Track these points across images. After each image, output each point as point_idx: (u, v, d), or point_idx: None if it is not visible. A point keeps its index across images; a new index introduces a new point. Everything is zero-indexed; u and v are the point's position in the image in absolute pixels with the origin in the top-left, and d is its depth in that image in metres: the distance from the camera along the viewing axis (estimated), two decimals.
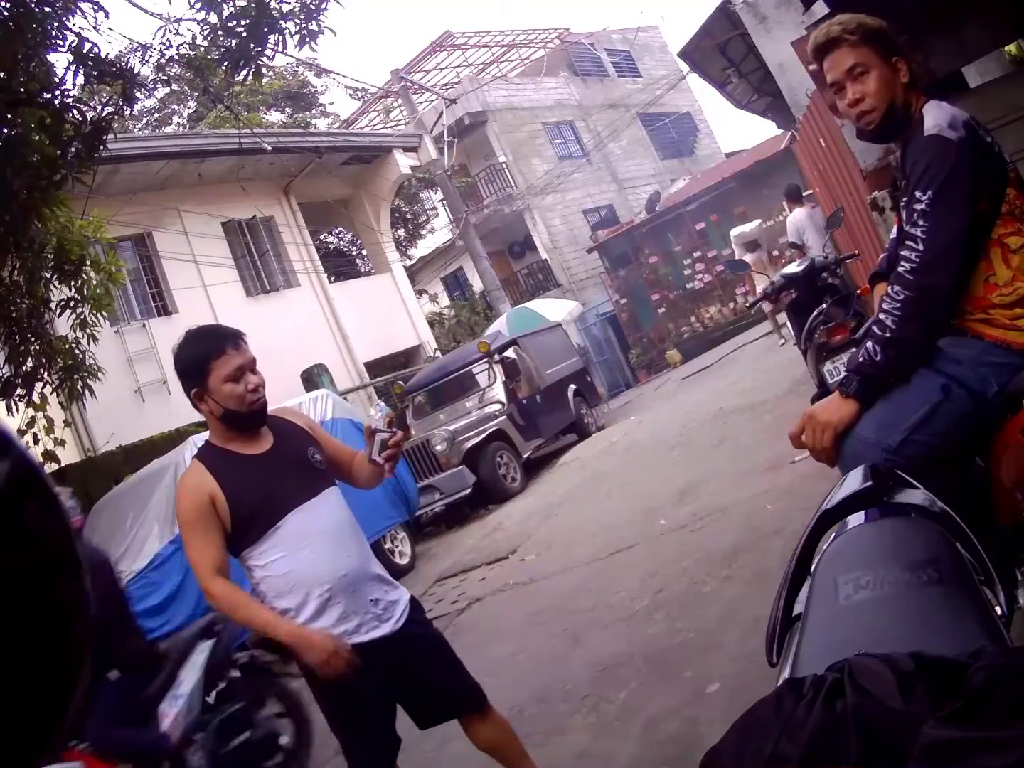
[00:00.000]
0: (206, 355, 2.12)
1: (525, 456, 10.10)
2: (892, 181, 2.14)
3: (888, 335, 1.68)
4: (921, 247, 1.66)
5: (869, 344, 1.72)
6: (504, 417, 9.95)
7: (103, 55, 5.31)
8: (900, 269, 1.69)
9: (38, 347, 6.68)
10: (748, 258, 11.23)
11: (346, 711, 2.20)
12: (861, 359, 1.73)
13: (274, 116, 22.47)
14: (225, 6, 5.43)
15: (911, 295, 1.66)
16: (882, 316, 1.70)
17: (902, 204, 1.83)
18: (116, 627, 3.03)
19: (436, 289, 22.40)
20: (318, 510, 2.15)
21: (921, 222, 1.67)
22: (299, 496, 2.14)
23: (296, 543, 2.09)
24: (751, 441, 6.26)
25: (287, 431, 2.27)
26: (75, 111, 5.39)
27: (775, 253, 16.28)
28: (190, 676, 3.16)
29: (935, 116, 1.74)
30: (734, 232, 12.48)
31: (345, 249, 23.12)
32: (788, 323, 5.43)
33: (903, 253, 1.70)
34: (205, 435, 7.20)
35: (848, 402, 1.73)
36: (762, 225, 13.70)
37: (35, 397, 6.82)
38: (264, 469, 2.15)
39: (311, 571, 2.10)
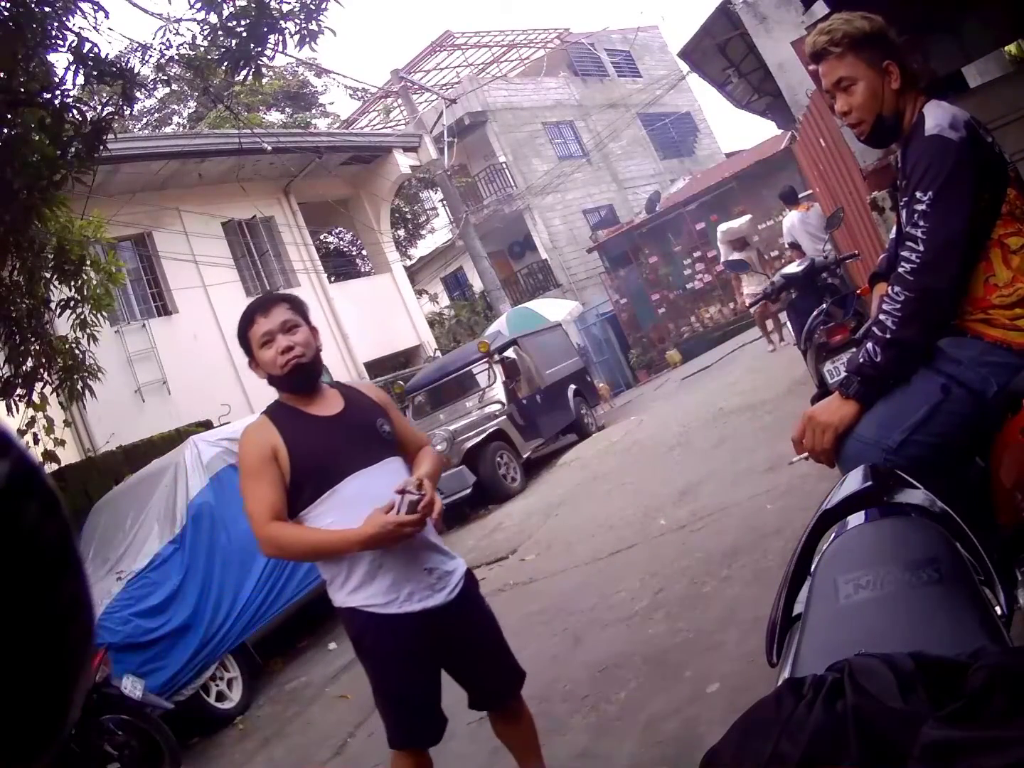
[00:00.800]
0: (244, 329, 2.19)
1: (525, 456, 10.10)
2: (892, 181, 2.15)
3: (888, 336, 1.68)
4: (921, 248, 1.66)
5: (869, 345, 1.72)
6: (504, 417, 9.94)
7: (103, 55, 5.31)
8: (900, 270, 1.69)
9: (38, 347, 6.68)
10: (736, 257, 10.75)
11: (393, 680, 2.14)
12: (861, 360, 1.73)
13: (274, 116, 22.47)
14: (225, 6, 5.43)
15: (911, 296, 1.66)
16: (882, 317, 1.70)
17: (902, 204, 1.82)
18: None
19: (436, 289, 22.40)
20: (378, 477, 2.12)
21: (921, 223, 1.66)
22: (361, 461, 2.13)
23: (352, 508, 2.04)
24: (751, 441, 6.26)
25: (359, 400, 2.28)
26: (75, 111, 5.39)
27: (774, 253, 16.27)
28: None
29: (936, 116, 1.73)
30: (721, 228, 11.73)
31: (345, 249, 23.12)
32: (788, 323, 5.42)
33: (903, 254, 1.70)
34: (205, 435, 7.22)
35: (848, 403, 1.73)
36: (753, 221, 12.83)
37: (35, 397, 6.81)
38: (330, 431, 2.15)
39: None
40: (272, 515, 2.04)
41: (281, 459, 2.08)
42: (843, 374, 1.79)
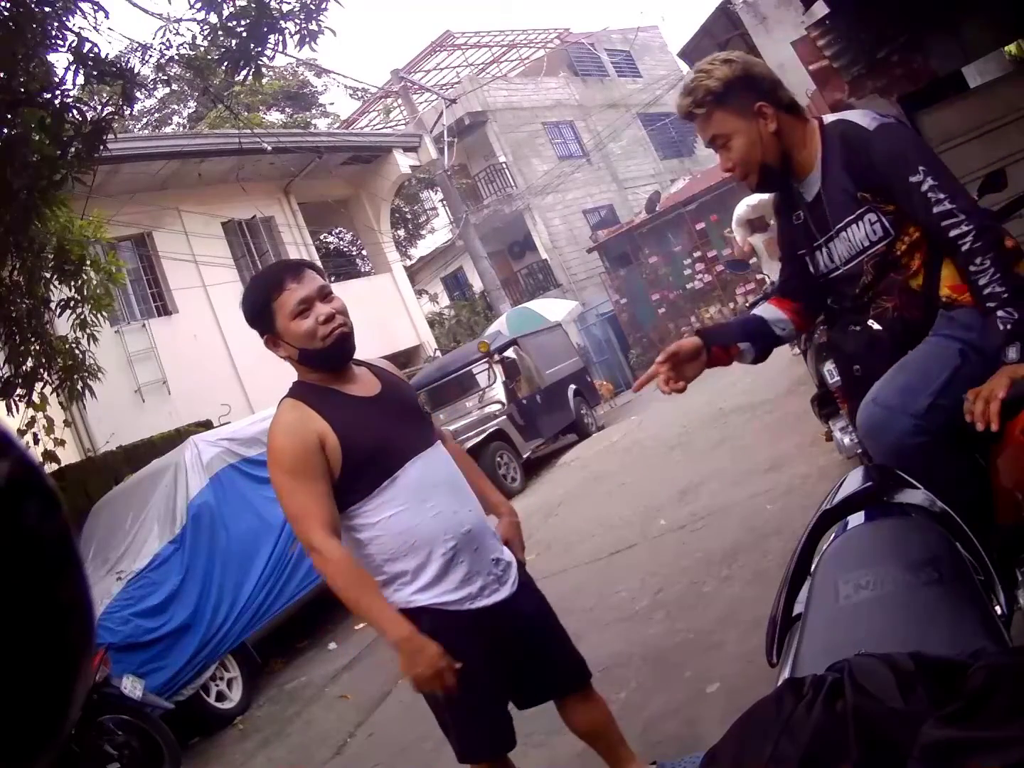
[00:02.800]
0: (266, 297, 1.88)
1: (525, 456, 10.10)
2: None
3: (1008, 294, 1.62)
4: (962, 216, 1.64)
5: (1001, 313, 1.64)
6: (504, 417, 9.95)
7: (103, 55, 5.30)
8: (963, 246, 1.65)
9: (38, 347, 6.68)
10: (757, 239, 8.47)
11: (475, 686, 1.91)
12: (1010, 327, 1.63)
13: (274, 116, 22.48)
14: (225, 6, 5.42)
15: (992, 253, 1.63)
16: (988, 291, 1.64)
17: (829, 235, 1.82)
18: None
19: (436, 289, 22.40)
20: (437, 460, 1.93)
21: (938, 195, 1.64)
22: (418, 444, 1.91)
23: (417, 495, 1.85)
24: (751, 441, 6.26)
25: (394, 379, 2.06)
26: (75, 111, 5.38)
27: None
28: None
29: (859, 115, 1.76)
30: (748, 201, 8.87)
31: (345, 249, 23.12)
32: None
33: (952, 234, 1.65)
34: (205, 435, 7.17)
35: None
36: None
37: (35, 397, 6.81)
38: (376, 413, 1.90)
39: (435, 526, 1.86)
40: (329, 527, 1.78)
41: (330, 449, 1.80)
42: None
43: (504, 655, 1.97)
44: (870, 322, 1.85)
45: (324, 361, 1.91)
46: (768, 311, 2.01)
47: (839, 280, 1.89)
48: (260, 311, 1.89)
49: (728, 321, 2.11)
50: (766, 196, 10.35)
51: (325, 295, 1.90)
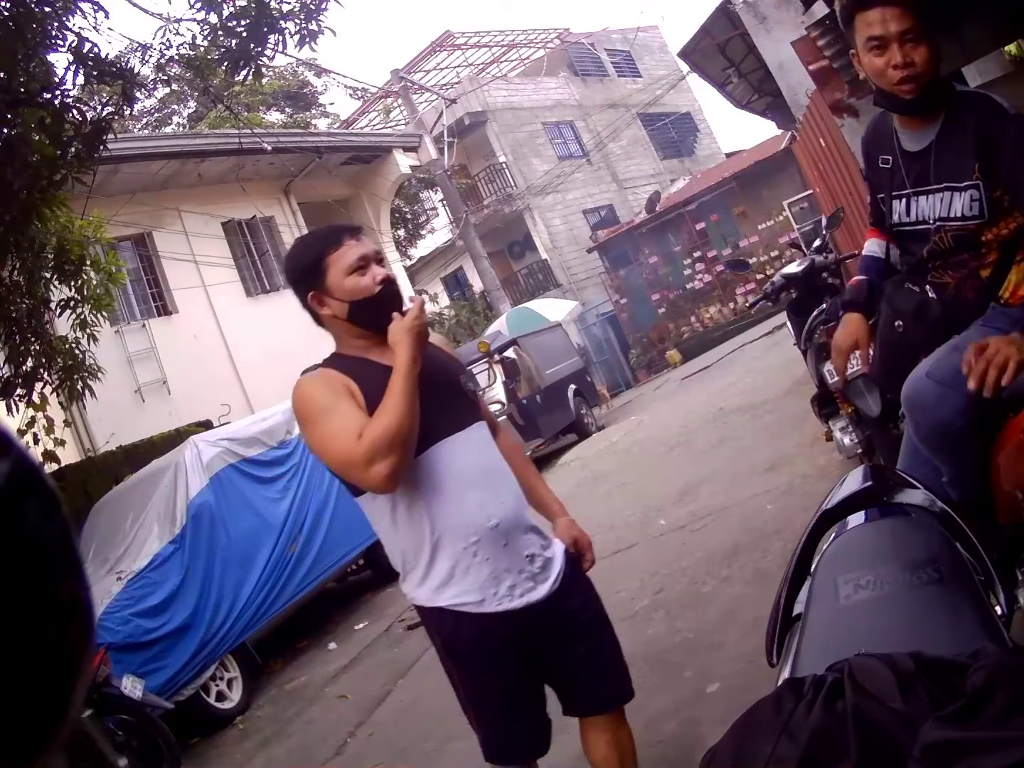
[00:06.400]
0: (321, 251, 1.77)
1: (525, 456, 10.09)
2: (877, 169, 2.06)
3: None
4: None
5: None
6: (504, 417, 9.95)
7: (103, 55, 5.30)
8: None
9: (38, 347, 6.67)
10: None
11: (494, 690, 1.79)
12: None
13: (274, 116, 22.46)
14: (225, 6, 5.42)
15: None
16: None
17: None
18: None
19: (436, 289, 22.39)
20: (469, 444, 1.76)
21: None
22: (449, 425, 1.75)
23: (440, 482, 1.70)
24: (751, 441, 6.26)
25: (437, 353, 1.87)
26: (75, 111, 5.38)
27: (774, 253, 16.20)
28: None
29: (999, 96, 1.80)
30: None
31: None
32: (788, 323, 5.39)
33: None
34: (205, 435, 7.15)
35: None
36: None
37: (35, 397, 6.81)
38: None
39: (457, 518, 1.70)
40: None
41: (358, 402, 1.67)
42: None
43: (543, 659, 1.82)
44: (927, 288, 1.87)
45: (375, 312, 1.75)
46: (879, 247, 2.03)
47: (908, 235, 1.91)
48: (312, 264, 1.77)
49: (861, 285, 2.05)
50: None
51: (380, 259, 1.82)
